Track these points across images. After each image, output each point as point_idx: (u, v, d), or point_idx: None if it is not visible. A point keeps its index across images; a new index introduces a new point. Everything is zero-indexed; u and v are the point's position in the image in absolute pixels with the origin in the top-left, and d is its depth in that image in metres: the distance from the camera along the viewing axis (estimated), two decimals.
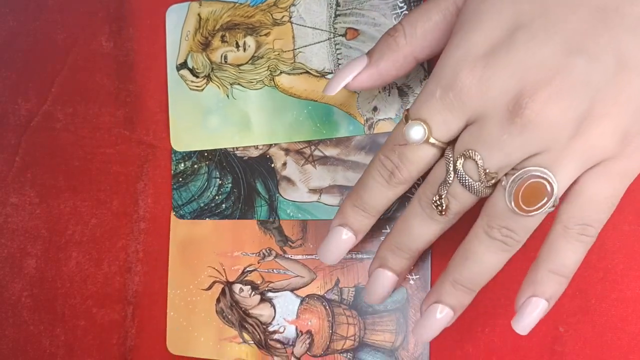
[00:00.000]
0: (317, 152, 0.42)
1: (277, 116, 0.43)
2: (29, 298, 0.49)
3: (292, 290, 0.43)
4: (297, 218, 0.43)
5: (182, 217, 0.45)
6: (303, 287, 0.43)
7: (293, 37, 0.43)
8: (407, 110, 0.32)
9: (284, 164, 0.43)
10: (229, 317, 0.44)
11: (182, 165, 0.45)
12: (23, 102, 0.49)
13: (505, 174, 0.30)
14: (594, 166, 0.30)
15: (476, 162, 0.29)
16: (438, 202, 0.31)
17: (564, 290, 0.32)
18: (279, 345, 0.43)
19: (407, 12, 0.40)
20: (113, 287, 0.47)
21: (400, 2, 0.40)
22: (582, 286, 0.38)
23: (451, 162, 0.30)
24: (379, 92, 0.41)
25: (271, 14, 0.44)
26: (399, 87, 0.40)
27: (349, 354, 0.41)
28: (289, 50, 0.43)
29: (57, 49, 0.48)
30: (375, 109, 0.41)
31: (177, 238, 0.46)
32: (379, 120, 0.41)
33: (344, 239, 0.36)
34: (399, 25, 0.34)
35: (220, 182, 0.45)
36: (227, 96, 0.44)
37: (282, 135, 0.43)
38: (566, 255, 0.31)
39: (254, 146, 0.44)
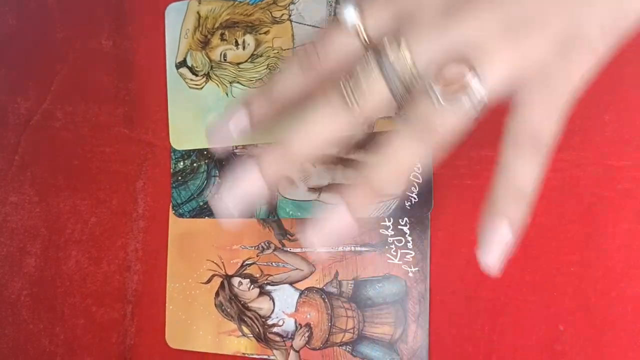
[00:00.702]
0: None
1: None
2: (28, 297, 0.49)
3: (291, 284, 0.43)
4: (296, 217, 0.43)
5: (181, 215, 0.45)
6: (302, 280, 0.43)
7: (292, 35, 0.43)
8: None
9: None
10: (228, 310, 0.44)
11: (182, 163, 0.45)
12: (23, 100, 0.49)
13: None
14: (535, 78, 0.28)
15: (404, 53, 0.28)
16: (351, 90, 0.29)
17: (526, 212, 0.29)
18: (278, 339, 0.43)
19: None
20: (112, 285, 0.47)
21: None
22: (582, 285, 0.38)
23: (376, 49, 0.29)
24: None
25: (270, 12, 0.44)
26: None
27: (348, 346, 0.41)
28: (288, 49, 0.43)
29: (57, 48, 0.48)
30: None
31: (176, 232, 0.46)
32: (379, 118, 0.41)
33: (238, 119, 0.34)
34: None
35: (219, 180, 0.45)
36: (227, 94, 0.45)
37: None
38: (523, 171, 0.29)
39: (254, 144, 0.44)
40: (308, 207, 0.43)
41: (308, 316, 0.42)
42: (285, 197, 0.43)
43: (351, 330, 0.41)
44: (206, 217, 0.45)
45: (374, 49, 0.29)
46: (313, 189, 0.42)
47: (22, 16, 0.49)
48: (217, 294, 0.45)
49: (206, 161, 0.45)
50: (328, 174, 0.42)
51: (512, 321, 0.38)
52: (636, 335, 0.37)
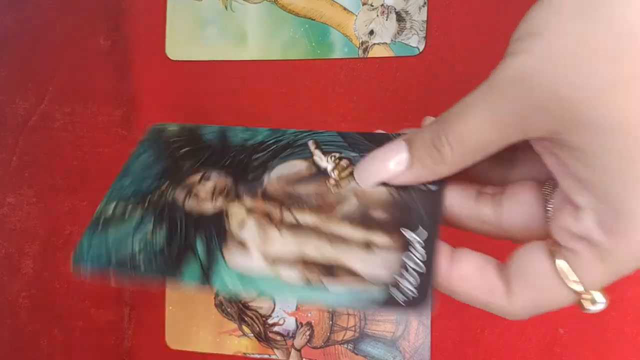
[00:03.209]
0: (288, 218, 0.28)
1: (273, 32, 0.43)
2: (26, 299, 0.49)
3: None
4: (237, 292, 0.26)
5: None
6: None
7: None
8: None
9: (242, 222, 0.27)
10: (228, 310, 0.44)
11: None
12: (21, 101, 0.49)
13: None
14: None
15: None
16: None
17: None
18: (278, 338, 0.43)
19: None
20: (110, 288, 0.47)
21: None
22: None
23: None
24: (377, 15, 0.41)
25: None
26: (397, 12, 0.40)
27: (349, 344, 0.41)
28: None
29: (55, 49, 0.48)
30: (372, 32, 0.41)
31: None
32: (374, 44, 0.41)
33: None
34: (444, 137, 0.24)
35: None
36: (226, 8, 0.44)
37: (277, 52, 0.43)
38: None
39: (210, 200, 0.28)
40: (259, 283, 0.25)
41: (309, 315, 0.42)
42: (229, 266, 0.26)
43: (352, 328, 0.41)
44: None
45: None
46: (270, 260, 0.26)
47: (21, 16, 0.49)
48: (216, 294, 0.44)
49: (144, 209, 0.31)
50: (296, 245, 0.26)
51: (512, 322, 0.38)
52: (635, 338, 0.37)
